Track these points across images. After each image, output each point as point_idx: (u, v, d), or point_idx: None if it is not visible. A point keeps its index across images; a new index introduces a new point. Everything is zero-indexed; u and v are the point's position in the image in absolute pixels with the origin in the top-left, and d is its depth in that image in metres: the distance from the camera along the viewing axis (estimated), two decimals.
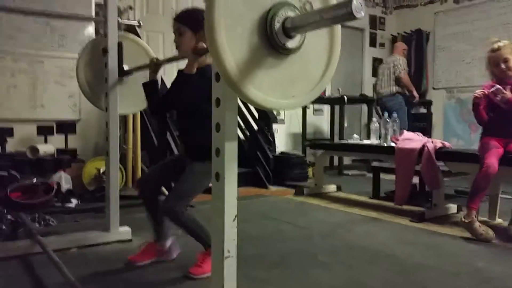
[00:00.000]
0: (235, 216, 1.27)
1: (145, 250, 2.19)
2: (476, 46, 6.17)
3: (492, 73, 2.91)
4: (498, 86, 2.72)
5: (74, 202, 3.49)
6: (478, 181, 2.65)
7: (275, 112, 5.31)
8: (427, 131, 5.71)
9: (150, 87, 2.10)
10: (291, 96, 1.21)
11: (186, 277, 1.97)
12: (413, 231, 2.87)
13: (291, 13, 1.13)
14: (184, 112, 2.11)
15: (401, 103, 5.46)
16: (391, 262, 2.24)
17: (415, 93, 5.61)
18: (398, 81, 5.47)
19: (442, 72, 6.63)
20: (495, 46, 2.81)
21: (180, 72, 1.91)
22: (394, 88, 5.50)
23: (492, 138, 2.84)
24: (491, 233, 2.60)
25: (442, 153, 3.15)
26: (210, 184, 1.34)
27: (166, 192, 2.70)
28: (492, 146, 2.76)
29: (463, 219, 2.66)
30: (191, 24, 1.98)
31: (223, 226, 1.25)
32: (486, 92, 2.79)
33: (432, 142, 3.25)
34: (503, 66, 2.79)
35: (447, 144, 3.32)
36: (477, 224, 2.62)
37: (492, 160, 2.65)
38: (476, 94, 2.85)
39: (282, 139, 6.20)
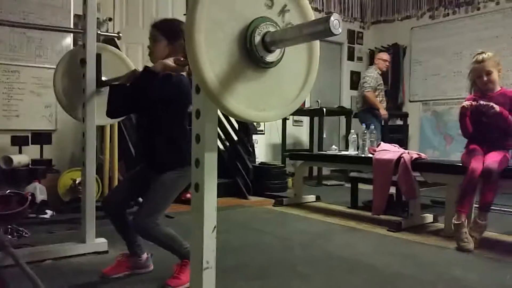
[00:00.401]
0: (214, 227, 1.27)
1: (120, 262, 2.14)
2: (451, 60, 6.35)
3: (473, 84, 2.98)
4: (487, 103, 2.77)
5: (49, 213, 3.42)
6: (464, 186, 2.73)
7: (255, 123, 5.32)
8: (403, 143, 5.81)
9: (118, 90, 2.05)
10: (268, 109, 1.22)
11: None
12: (391, 240, 2.90)
13: (272, 28, 1.15)
14: (148, 122, 2.02)
15: (371, 118, 5.23)
16: (369, 272, 2.26)
17: (382, 111, 5.29)
18: (364, 97, 5.31)
19: (418, 85, 6.79)
20: (480, 57, 2.87)
21: (146, 68, 1.87)
22: (363, 104, 5.36)
23: (476, 146, 2.94)
24: (471, 246, 2.63)
25: (418, 164, 3.21)
26: (189, 195, 1.33)
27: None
28: (477, 152, 2.86)
29: (454, 221, 2.72)
30: (167, 33, 1.98)
31: (202, 237, 1.24)
32: (473, 104, 2.83)
33: (408, 153, 3.31)
34: (485, 78, 2.86)
35: (423, 155, 3.39)
36: (464, 230, 2.66)
37: (477, 165, 2.73)
38: (464, 104, 2.89)
39: (262, 150, 6.22)
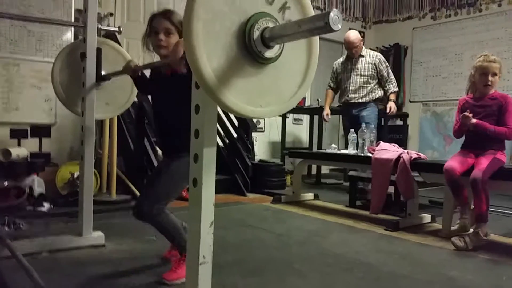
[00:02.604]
0: (212, 222, 1.27)
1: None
2: (452, 62, 6.34)
3: (473, 83, 2.98)
4: (467, 114, 2.82)
5: (46, 206, 3.41)
6: (448, 186, 2.83)
7: (254, 120, 5.32)
8: (403, 143, 5.81)
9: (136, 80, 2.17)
10: (264, 105, 1.21)
11: (160, 282, 1.94)
12: (388, 239, 2.91)
13: (271, 24, 1.15)
14: (166, 105, 2.05)
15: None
16: (366, 270, 2.26)
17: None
18: None
19: (419, 85, 6.79)
20: (491, 57, 2.89)
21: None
22: None
23: (466, 150, 2.98)
24: (468, 246, 2.64)
25: (417, 164, 3.21)
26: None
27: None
28: (459, 154, 2.94)
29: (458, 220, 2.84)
30: (180, 27, 1.91)
31: (199, 231, 1.25)
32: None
33: (407, 153, 3.31)
34: (489, 78, 2.87)
35: (422, 155, 3.38)
36: (461, 232, 2.74)
37: (450, 163, 2.81)
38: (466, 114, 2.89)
39: (261, 147, 6.22)
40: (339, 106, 4.88)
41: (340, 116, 5.12)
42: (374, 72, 4.50)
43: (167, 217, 1.96)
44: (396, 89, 4.56)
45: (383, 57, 4.60)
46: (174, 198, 2.04)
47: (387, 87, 4.52)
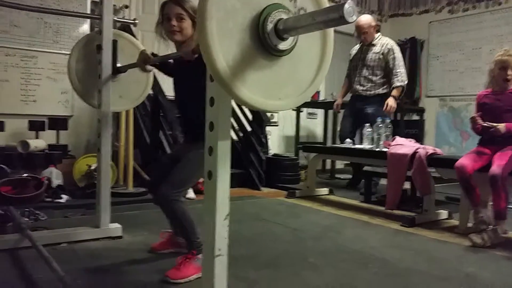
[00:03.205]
0: (227, 215, 1.27)
1: (165, 241, 2.27)
2: (470, 56, 6.24)
3: (493, 77, 2.93)
4: (491, 124, 2.76)
5: (64, 197, 3.47)
6: (460, 185, 2.79)
7: (268, 114, 5.30)
8: (419, 138, 5.74)
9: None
10: (277, 99, 1.21)
11: (164, 281, 1.90)
12: (404, 235, 2.88)
13: (284, 16, 1.14)
14: (188, 92, 2.09)
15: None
16: (381, 266, 2.25)
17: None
18: None
19: (436, 80, 6.69)
20: None
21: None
22: None
23: (482, 146, 2.93)
24: (485, 243, 2.60)
25: (434, 159, 3.17)
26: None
27: None
28: (473, 151, 2.90)
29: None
30: (192, 12, 1.95)
31: (214, 224, 1.25)
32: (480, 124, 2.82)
33: (424, 148, 3.27)
34: (509, 72, 2.82)
35: (438, 150, 3.34)
36: (479, 229, 2.68)
37: (461, 161, 2.77)
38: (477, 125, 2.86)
39: (275, 142, 6.21)
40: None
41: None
42: (382, 63, 4.22)
43: (183, 207, 1.97)
44: (401, 84, 4.15)
45: (395, 46, 4.25)
46: (190, 185, 2.07)
47: (392, 80, 4.18)
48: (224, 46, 1.07)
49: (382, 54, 4.23)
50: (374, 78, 4.27)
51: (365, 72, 4.31)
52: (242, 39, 1.11)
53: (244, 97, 1.12)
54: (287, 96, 1.23)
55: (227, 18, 1.07)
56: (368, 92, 4.30)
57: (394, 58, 4.20)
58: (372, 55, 4.27)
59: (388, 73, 4.24)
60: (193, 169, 1.98)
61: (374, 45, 4.30)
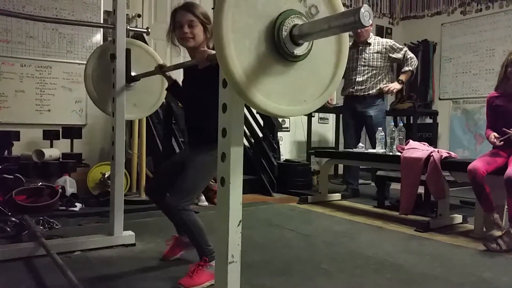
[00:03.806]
0: (240, 221, 1.27)
1: (174, 245, 2.26)
2: (483, 57, 6.16)
3: (504, 77, 2.88)
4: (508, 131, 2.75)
5: (78, 206, 3.50)
6: (473, 188, 2.75)
7: (280, 120, 5.30)
8: (432, 141, 5.68)
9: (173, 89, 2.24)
10: (302, 102, 1.22)
11: None
12: (418, 240, 2.85)
13: (298, 21, 1.14)
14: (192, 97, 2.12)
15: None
16: (395, 271, 2.22)
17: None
18: None
19: (449, 83, 6.62)
20: None
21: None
22: None
23: (498, 150, 2.89)
24: (500, 247, 2.56)
25: (448, 163, 3.13)
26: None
27: None
28: (488, 154, 2.87)
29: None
30: (203, 19, 1.98)
31: (227, 230, 1.25)
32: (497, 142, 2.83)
33: (438, 152, 3.23)
34: None
35: (453, 154, 3.30)
36: (494, 231, 2.65)
37: (474, 163, 2.74)
38: (493, 141, 2.87)
39: (287, 147, 6.20)
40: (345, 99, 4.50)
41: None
42: (384, 63, 4.19)
43: (191, 215, 1.96)
44: (410, 68, 4.13)
45: (393, 42, 4.25)
46: (199, 193, 2.07)
47: (403, 67, 4.17)
48: (242, 62, 1.08)
49: (382, 53, 4.19)
50: (374, 78, 4.21)
51: (365, 72, 4.21)
52: (258, 52, 1.11)
53: (266, 106, 1.13)
54: (312, 97, 1.24)
55: (242, 37, 1.08)
56: (371, 91, 4.21)
57: (400, 49, 4.19)
58: (373, 54, 4.20)
59: (388, 70, 4.25)
60: (200, 177, 1.99)
61: (369, 44, 4.22)
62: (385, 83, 4.22)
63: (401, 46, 4.25)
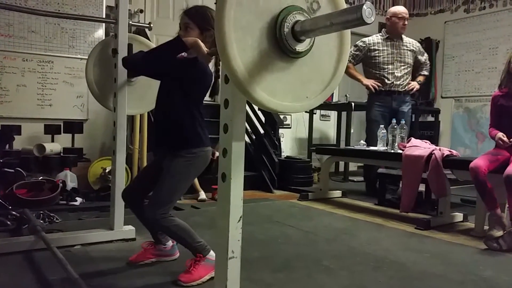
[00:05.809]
0: (240, 217, 1.27)
1: (146, 250, 2.18)
2: (486, 56, 6.14)
3: (507, 74, 2.88)
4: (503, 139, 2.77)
5: (79, 200, 3.51)
6: (475, 187, 2.74)
7: (281, 116, 5.30)
8: (434, 140, 5.67)
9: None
10: (305, 98, 1.22)
11: (175, 284, 1.90)
12: (419, 238, 2.85)
13: (300, 17, 1.14)
14: (163, 100, 2.04)
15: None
16: (395, 269, 2.22)
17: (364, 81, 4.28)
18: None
19: (451, 81, 6.61)
20: None
21: (179, 38, 1.89)
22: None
23: (500, 149, 2.88)
24: (500, 246, 2.56)
25: (449, 161, 3.13)
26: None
27: None
28: (490, 152, 2.86)
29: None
30: (200, 23, 1.96)
31: (228, 226, 1.25)
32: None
33: (439, 150, 3.22)
34: None
35: (454, 152, 3.29)
36: (495, 232, 2.61)
37: (476, 161, 2.73)
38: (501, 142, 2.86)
39: (288, 144, 6.19)
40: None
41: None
42: (413, 62, 4.28)
43: (171, 220, 1.92)
44: (427, 73, 4.44)
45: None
46: (177, 199, 2.05)
47: (422, 70, 4.38)
48: (244, 60, 1.08)
49: (414, 51, 4.29)
50: (408, 75, 4.25)
51: (401, 68, 4.18)
52: (260, 49, 1.11)
53: (269, 103, 1.13)
54: (314, 93, 1.23)
55: (244, 35, 1.08)
56: (405, 88, 4.20)
57: (423, 53, 4.42)
58: (407, 52, 4.22)
59: (412, 69, 4.32)
60: (177, 186, 1.95)
61: (402, 39, 4.23)
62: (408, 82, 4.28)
63: (423, 50, 4.45)
